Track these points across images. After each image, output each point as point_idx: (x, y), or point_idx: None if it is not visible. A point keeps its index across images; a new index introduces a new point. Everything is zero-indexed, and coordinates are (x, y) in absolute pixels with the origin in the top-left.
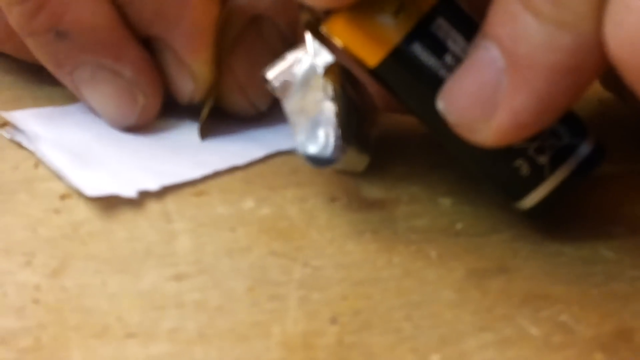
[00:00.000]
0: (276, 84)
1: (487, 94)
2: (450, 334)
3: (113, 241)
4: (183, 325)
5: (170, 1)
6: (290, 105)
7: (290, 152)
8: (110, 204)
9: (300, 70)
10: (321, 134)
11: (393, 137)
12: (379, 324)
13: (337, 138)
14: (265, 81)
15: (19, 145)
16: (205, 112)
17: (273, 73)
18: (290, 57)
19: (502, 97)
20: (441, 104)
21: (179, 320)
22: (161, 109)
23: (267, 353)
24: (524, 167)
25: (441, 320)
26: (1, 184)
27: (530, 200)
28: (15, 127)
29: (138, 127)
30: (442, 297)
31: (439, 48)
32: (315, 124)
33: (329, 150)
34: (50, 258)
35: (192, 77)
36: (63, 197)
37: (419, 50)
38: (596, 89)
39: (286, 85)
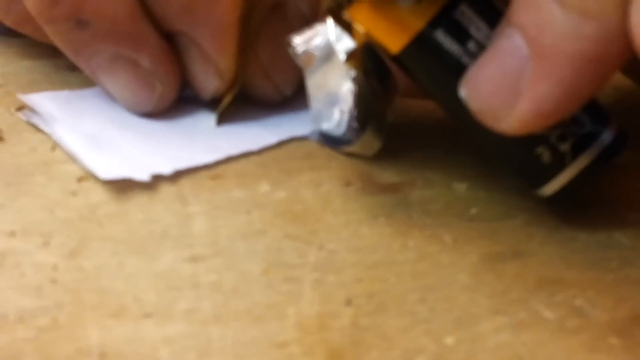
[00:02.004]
0: (300, 50)
1: (510, 82)
2: (464, 317)
3: (129, 223)
4: (199, 306)
5: None
6: (311, 78)
7: (304, 138)
8: (126, 186)
9: (323, 44)
10: (336, 112)
11: (408, 122)
12: (394, 307)
13: (351, 119)
14: (290, 46)
15: (36, 128)
16: (226, 101)
17: (299, 39)
18: (319, 28)
19: (525, 85)
20: (464, 91)
21: (195, 301)
22: (176, 94)
23: (282, 334)
24: (545, 155)
25: (456, 303)
26: (19, 166)
27: (551, 187)
28: (32, 110)
29: (154, 113)
30: (457, 281)
31: (462, 35)
32: (332, 102)
33: (341, 129)
34: (67, 239)
35: (217, 73)
36: (80, 179)
37: (442, 37)
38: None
39: (309, 55)
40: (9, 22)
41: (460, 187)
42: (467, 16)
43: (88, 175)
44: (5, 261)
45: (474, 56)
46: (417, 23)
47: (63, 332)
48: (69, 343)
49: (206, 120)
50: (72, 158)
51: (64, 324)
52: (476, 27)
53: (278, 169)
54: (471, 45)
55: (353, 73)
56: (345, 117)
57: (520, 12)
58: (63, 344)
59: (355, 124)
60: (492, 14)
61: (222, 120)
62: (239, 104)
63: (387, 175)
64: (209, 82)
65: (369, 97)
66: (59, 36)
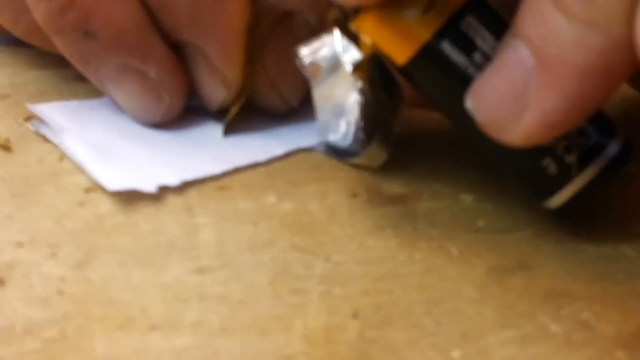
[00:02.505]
0: (307, 61)
1: (516, 93)
2: (471, 330)
3: (137, 234)
4: (206, 318)
5: (206, 7)
6: (318, 90)
7: (311, 149)
8: (133, 197)
9: (330, 55)
10: (343, 123)
11: (414, 133)
12: (400, 320)
13: (358, 130)
14: (297, 57)
15: (44, 138)
16: (233, 111)
17: (306, 51)
18: (326, 39)
19: (531, 96)
20: (470, 103)
21: (201, 313)
22: (184, 105)
23: (289, 346)
24: (551, 166)
25: (462, 316)
26: (27, 176)
27: (558, 199)
28: (40, 120)
29: (162, 123)
30: (463, 294)
31: (468, 46)
32: (339, 113)
33: (347, 141)
34: (75, 250)
35: (224, 83)
36: (87, 190)
37: (448, 48)
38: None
39: (315, 66)
40: (17, 33)
41: (467, 199)
42: (473, 27)
43: (95, 186)
44: (13, 272)
45: (480, 67)
46: (423, 34)
47: (70, 343)
48: (76, 355)
49: (213, 130)
50: (79, 169)
51: (71, 336)
52: (482, 38)
53: (284, 180)
54: (477, 57)
55: (359, 84)
56: (352, 129)
57: (526, 23)
58: (70, 356)
59: (361, 135)
60: (498, 25)
61: (228, 130)
62: (245, 114)
63: (394, 186)
64: (216, 93)
65: (375, 108)
66: (67, 47)
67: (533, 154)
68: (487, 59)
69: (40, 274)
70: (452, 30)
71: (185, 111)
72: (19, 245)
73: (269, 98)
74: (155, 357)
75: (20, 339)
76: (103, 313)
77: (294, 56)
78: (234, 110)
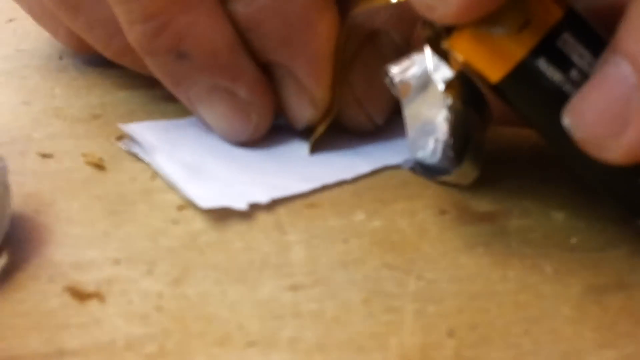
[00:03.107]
0: (396, 80)
1: (617, 111)
2: (571, 351)
3: (230, 251)
4: (302, 335)
5: (297, 28)
6: (408, 108)
7: (397, 166)
8: (225, 215)
9: (420, 73)
10: (431, 141)
11: (501, 149)
12: (498, 339)
13: (446, 147)
14: (386, 76)
15: (136, 157)
16: (320, 130)
17: (396, 69)
18: (415, 57)
19: (633, 114)
20: (567, 120)
21: (297, 330)
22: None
23: None
24: None
25: (561, 336)
26: (121, 194)
27: None
28: (131, 139)
29: (249, 142)
30: (561, 313)
31: (564, 63)
32: (428, 131)
33: (436, 158)
34: (171, 267)
35: (312, 103)
36: (180, 208)
37: (544, 66)
38: None
39: (406, 85)
40: (109, 54)
41: (559, 216)
42: (570, 44)
43: (187, 204)
44: (112, 288)
45: (576, 85)
46: (518, 52)
47: (171, 359)
48: None
49: (299, 149)
50: (171, 187)
51: (171, 352)
52: (579, 55)
53: (372, 198)
54: (574, 74)
55: (450, 102)
56: (440, 146)
57: (629, 40)
58: None
59: (451, 153)
60: (594, 41)
61: (315, 149)
62: (331, 132)
63: (483, 203)
64: (304, 112)
65: (467, 126)
66: (159, 68)
67: (631, 172)
68: (584, 75)
69: (139, 291)
70: (548, 47)
71: (271, 130)
72: (117, 262)
73: (355, 117)
74: None
75: (121, 355)
76: (201, 329)
77: (382, 75)
78: (320, 129)
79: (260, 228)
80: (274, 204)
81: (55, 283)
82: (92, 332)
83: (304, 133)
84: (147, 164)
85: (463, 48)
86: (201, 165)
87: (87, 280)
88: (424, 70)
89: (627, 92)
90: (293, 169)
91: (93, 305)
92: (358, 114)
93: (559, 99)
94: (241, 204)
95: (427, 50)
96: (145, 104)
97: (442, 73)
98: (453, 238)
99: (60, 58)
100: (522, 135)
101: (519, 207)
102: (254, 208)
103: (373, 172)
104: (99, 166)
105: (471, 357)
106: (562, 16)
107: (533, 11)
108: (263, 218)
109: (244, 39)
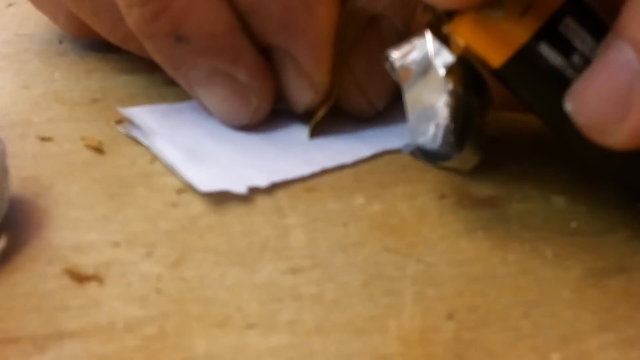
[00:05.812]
0: (397, 64)
1: (620, 96)
2: (570, 334)
3: (229, 234)
4: (301, 318)
5: (297, 12)
6: (409, 93)
7: (397, 150)
8: (224, 198)
9: (421, 58)
10: (432, 126)
11: (502, 135)
12: (497, 322)
13: (447, 133)
14: (387, 61)
15: (135, 141)
16: (320, 114)
17: (396, 54)
18: (416, 42)
19: (635, 99)
20: (570, 105)
21: (296, 313)
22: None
23: (385, 347)
24: None
25: (560, 319)
26: (121, 178)
27: None
28: (131, 123)
29: (249, 126)
30: (561, 296)
31: (566, 48)
32: (428, 116)
33: (436, 144)
34: (170, 250)
35: (312, 87)
36: (179, 191)
37: (546, 50)
38: None
39: (406, 70)
40: (114, 39)
41: (559, 201)
42: (572, 29)
43: (187, 188)
44: (111, 271)
45: (578, 69)
46: (520, 36)
47: (170, 341)
48: (176, 352)
49: (299, 133)
50: (170, 170)
51: (171, 333)
52: (581, 39)
53: (372, 182)
54: (576, 58)
55: (450, 87)
56: (441, 131)
57: (632, 24)
58: (171, 353)
59: (451, 139)
60: (597, 26)
61: (314, 133)
62: (331, 117)
63: (483, 188)
64: (303, 96)
65: (467, 111)
66: (158, 51)
67: (634, 156)
68: (587, 60)
69: (138, 273)
70: (550, 32)
71: (271, 114)
72: (116, 244)
73: (355, 101)
74: (253, 355)
75: (121, 336)
76: (200, 311)
77: (383, 60)
78: (320, 113)
79: (260, 211)
80: (274, 187)
81: (54, 265)
82: (91, 314)
83: (304, 117)
84: (147, 148)
85: (464, 33)
86: (201, 149)
87: (86, 262)
88: (424, 55)
89: (630, 77)
90: (292, 153)
91: (92, 287)
92: (358, 99)
93: (561, 84)
94: (241, 188)
95: (428, 35)
96: (145, 88)
97: (443, 58)
98: (453, 222)
99: (60, 42)
100: (523, 120)
101: (520, 192)
102: (254, 192)
103: (373, 156)
104: (99, 150)
105: (470, 339)
106: (564, 0)
107: None
108: (262, 202)
109: (244, 22)
